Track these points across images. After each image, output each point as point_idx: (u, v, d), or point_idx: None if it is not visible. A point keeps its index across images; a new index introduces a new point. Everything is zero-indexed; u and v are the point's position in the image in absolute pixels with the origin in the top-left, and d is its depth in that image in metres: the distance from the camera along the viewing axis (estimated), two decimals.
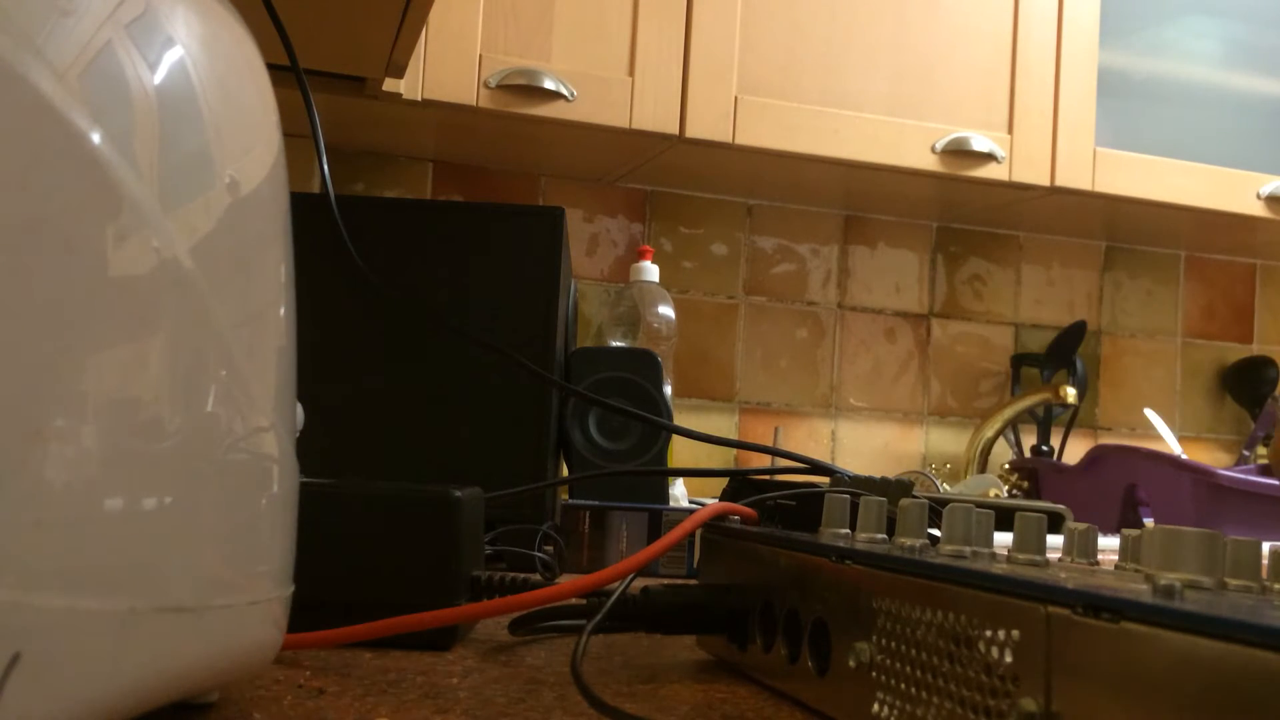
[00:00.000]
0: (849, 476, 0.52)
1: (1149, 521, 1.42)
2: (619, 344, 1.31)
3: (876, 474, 0.92)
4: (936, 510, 0.48)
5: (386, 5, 0.83)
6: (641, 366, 0.95)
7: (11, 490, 0.24)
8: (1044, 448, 1.77)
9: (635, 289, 1.33)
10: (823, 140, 1.45)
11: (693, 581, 0.49)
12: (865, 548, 0.37)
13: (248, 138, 0.32)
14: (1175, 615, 0.24)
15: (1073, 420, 1.82)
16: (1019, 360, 1.86)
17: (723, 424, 1.72)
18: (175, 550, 0.28)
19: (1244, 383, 1.96)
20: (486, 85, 1.32)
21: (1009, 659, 0.28)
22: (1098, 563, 0.38)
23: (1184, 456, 1.43)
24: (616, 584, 0.45)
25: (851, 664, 0.35)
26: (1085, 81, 1.57)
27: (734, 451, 1.65)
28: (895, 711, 0.33)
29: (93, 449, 0.25)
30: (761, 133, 1.43)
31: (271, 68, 0.36)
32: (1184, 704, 0.23)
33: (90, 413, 0.25)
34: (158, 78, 0.28)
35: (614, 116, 1.37)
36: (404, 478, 0.79)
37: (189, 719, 0.35)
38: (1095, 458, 1.49)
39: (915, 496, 0.45)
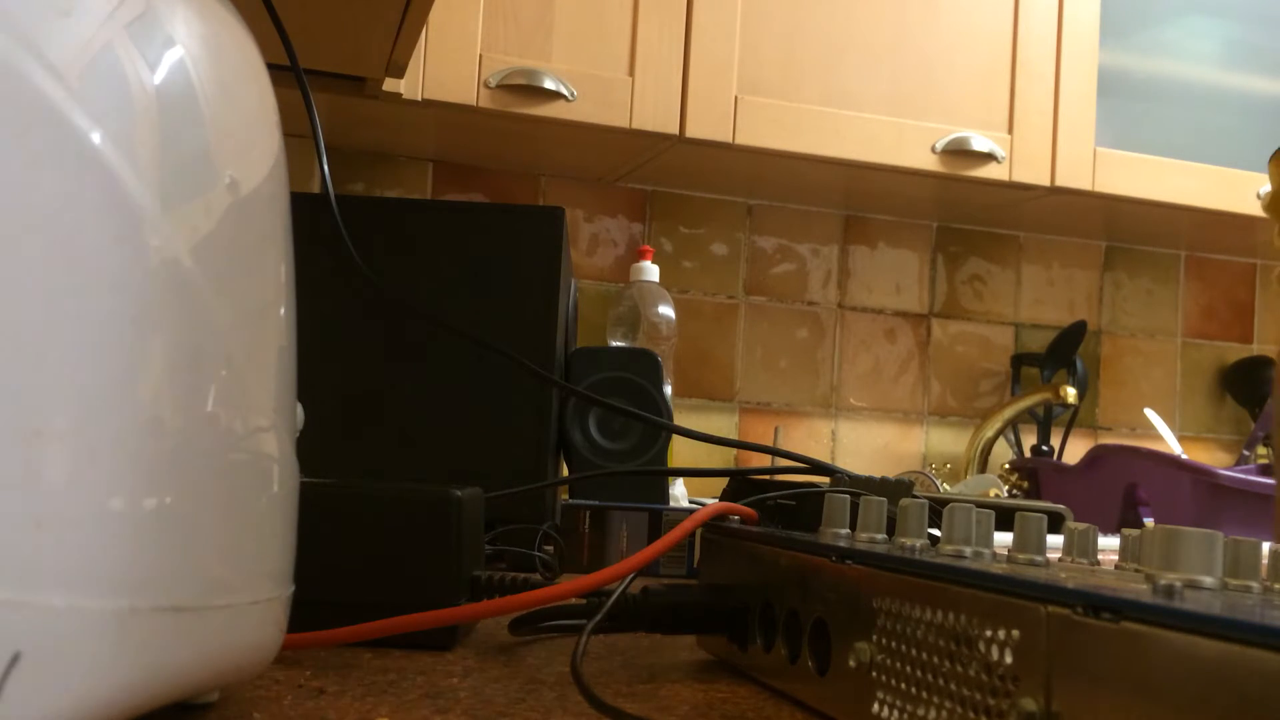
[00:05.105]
0: (849, 476, 0.52)
1: (1149, 521, 1.42)
2: (619, 344, 1.31)
3: (876, 474, 0.92)
4: (936, 510, 0.48)
5: (386, 5, 0.83)
6: (641, 366, 0.95)
7: (11, 490, 0.24)
8: (1044, 448, 1.77)
9: (635, 289, 1.34)
10: (823, 140, 1.45)
11: (693, 581, 0.49)
12: (865, 548, 0.37)
13: (248, 138, 0.32)
14: (1175, 615, 0.24)
15: (1073, 420, 1.82)
16: (1019, 360, 1.86)
17: (723, 424, 1.72)
18: (175, 550, 0.28)
19: (1244, 383, 1.96)
20: (486, 85, 1.32)
21: (1009, 659, 0.28)
22: (1098, 563, 0.38)
23: (1184, 456, 1.43)
24: (616, 584, 0.45)
25: (851, 664, 0.35)
26: (1085, 81, 1.57)
27: (734, 451, 1.65)
28: (895, 711, 0.33)
29: (93, 449, 0.25)
30: (761, 133, 1.43)
31: (271, 68, 0.36)
32: (1184, 704, 0.23)
33: (90, 413, 0.25)
34: (158, 78, 0.28)
35: (614, 116, 1.38)
36: (404, 478, 0.79)
37: (189, 719, 0.35)
38: (1095, 458, 1.49)
39: (915, 496, 0.45)
